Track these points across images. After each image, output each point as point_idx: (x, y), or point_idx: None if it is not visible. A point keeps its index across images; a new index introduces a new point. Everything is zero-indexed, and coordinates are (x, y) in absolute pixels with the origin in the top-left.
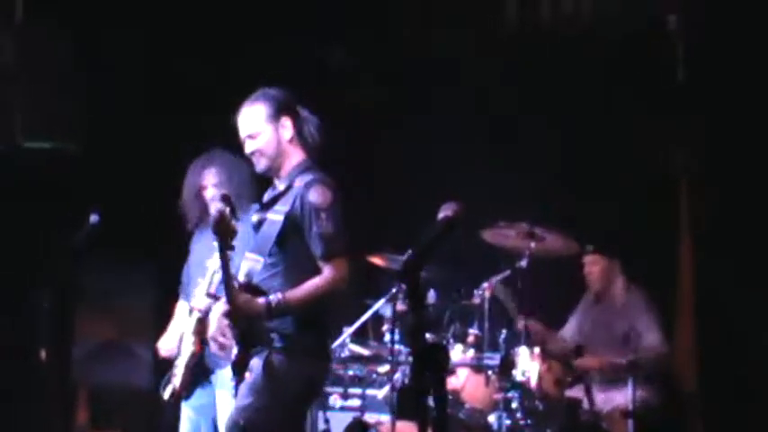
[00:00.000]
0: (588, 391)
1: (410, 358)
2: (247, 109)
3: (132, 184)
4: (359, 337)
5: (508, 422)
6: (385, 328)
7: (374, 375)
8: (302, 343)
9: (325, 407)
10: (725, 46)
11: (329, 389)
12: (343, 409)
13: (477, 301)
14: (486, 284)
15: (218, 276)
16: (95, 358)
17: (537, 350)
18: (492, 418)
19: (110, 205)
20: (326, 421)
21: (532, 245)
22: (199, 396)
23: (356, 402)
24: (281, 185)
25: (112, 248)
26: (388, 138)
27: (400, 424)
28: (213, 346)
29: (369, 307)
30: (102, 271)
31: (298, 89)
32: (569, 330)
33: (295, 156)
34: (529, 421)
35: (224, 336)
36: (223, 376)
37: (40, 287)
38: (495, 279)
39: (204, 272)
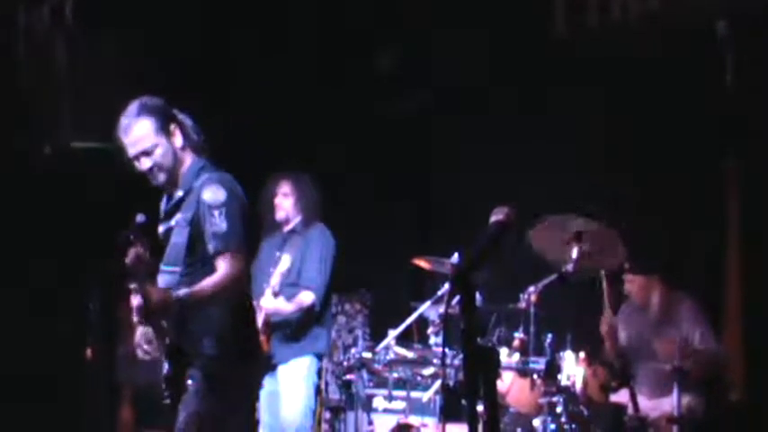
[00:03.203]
0: (633, 397)
1: (456, 361)
2: (134, 127)
3: None
4: (404, 339)
5: (553, 426)
6: (430, 330)
7: (419, 378)
8: (234, 348)
9: (370, 409)
10: None
11: (374, 391)
12: (387, 411)
13: (522, 305)
14: (532, 288)
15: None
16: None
17: (582, 355)
18: (537, 423)
19: (157, 206)
20: (370, 423)
21: (578, 249)
22: (266, 384)
23: (400, 405)
24: (179, 192)
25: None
26: (434, 141)
27: (447, 427)
28: (138, 352)
29: (414, 310)
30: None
31: (345, 97)
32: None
33: (187, 160)
34: (574, 426)
35: (149, 343)
36: (285, 369)
37: (86, 288)
38: (541, 283)
39: (267, 278)
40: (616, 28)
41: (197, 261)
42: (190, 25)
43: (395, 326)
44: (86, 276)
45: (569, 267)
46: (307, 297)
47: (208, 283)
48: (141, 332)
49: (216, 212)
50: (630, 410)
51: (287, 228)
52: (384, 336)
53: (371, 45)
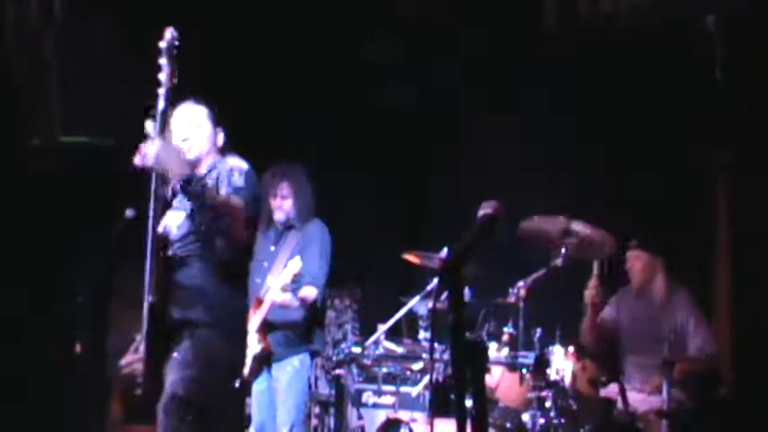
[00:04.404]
0: (623, 391)
1: (445, 356)
2: (192, 105)
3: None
4: (393, 334)
5: (542, 421)
6: (419, 325)
7: (408, 373)
8: (226, 323)
9: (359, 404)
10: (763, 45)
11: (363, 386)
12: (376, 406)
13: (512, 299)
14: (521, 283)
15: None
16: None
17: (571, 349)
18: (526, 417)
19: (146, 200)
20: (360, 418)
21: (569, 242)
22: (260, 381)
23: (390, 400)
24: (201, 171)
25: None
26: (425, 138)
27: (436, 421)
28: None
29: (403, 304)
30: (138, 265)
31: (336, 88)
32: (605, 315)
33: (214, 156)
34: (563, 420)
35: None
36: (280, 366)
37: (75, 281)
38: (530, 278)
39: (260, 272)
40: (606, 20)
41: (199, 231)
42: (180, 20)
43: (384, 321)
44: (75, 270)
45: (558, 262)
46: (310, 292)
47: (221, 195)
48: (129, 359)
49: (236, 173)
50: (620, 405)
51: (283, 224)
52: (373, 331)
53: (367, 41)
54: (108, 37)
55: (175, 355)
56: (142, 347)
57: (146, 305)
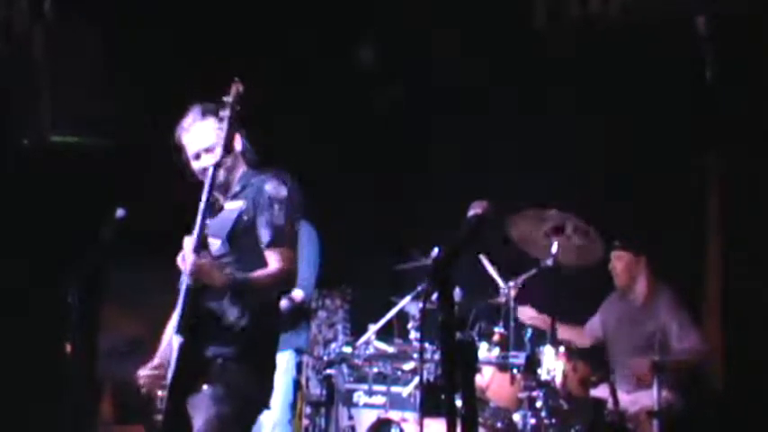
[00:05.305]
0: (613, 392)
1: (436, 356)
2: (199, 124)
3: (161, 178)
4: (384, 334)
5: (533, 421)
6: (410, 325)
7: (399, 373)
8: (258, 355)
9: (350, 404)
10: (754, 47)
11: (354, 386)
12: (367, 406)
13: (502, 299)
14: (512, 283)
15: None
16: (121, 354)
17: (562, 349)
18: (517, 417)
19: (138, 200)
20: (351, 418)
21: (558, 242)
22: None
23: (381, 399)
24: (236, 188)
25: (140, 243)
26: (414, 138)
27: (426, 421)
28: (140, 380)
29: (394, 304)
30: (128, 266)
31: (325, 89)
32: (593, 324)
33: (241, 168)
34: (553, 420)
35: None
36: None
37: (66, 282)
38: (521, 278)
39: None
40: (596, 20)
41: (233, 248)
42: (170, 20)
43: (375, 321)
44: (66, 271)
45: (549, 262)
46: (296, 294)
47: (263, 273)
48: (149, 368)
49: (276, 206)
50: (610, 405)
51: None
52: (364, 331)
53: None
54: (98, 37)
55: (205, 388)
56: (166, 371)
57: (176, 344)
